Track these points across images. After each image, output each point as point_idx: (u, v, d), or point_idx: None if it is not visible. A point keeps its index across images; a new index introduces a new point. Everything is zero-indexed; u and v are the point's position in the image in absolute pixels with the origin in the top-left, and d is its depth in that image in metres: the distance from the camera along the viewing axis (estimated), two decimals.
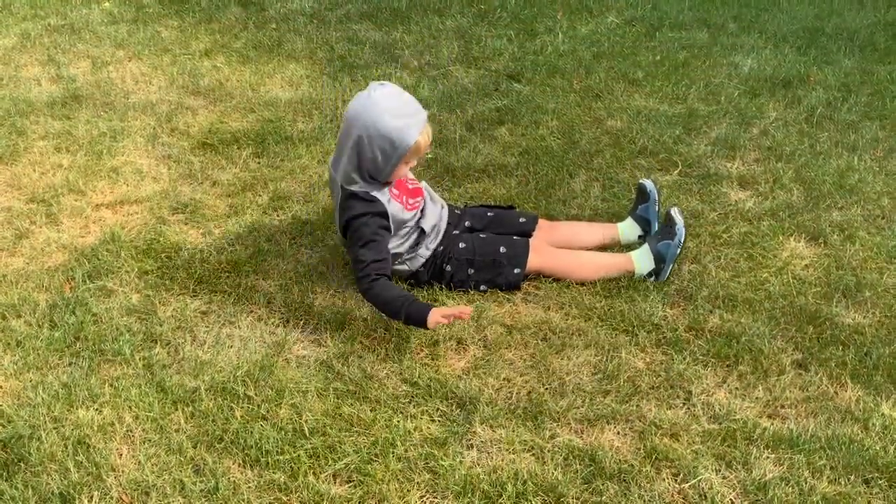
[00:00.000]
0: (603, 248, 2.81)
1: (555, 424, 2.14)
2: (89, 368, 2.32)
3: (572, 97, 4.00)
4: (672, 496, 1.96)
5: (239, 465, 2.02)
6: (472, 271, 2.60)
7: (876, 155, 3.49)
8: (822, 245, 2.88)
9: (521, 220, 2.77)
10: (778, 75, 4.27)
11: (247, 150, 3.50)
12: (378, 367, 2.32)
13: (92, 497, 1.94)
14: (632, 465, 2.01)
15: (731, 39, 4.82)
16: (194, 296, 2.63)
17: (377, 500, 1.94)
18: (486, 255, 2.60)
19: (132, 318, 2.52)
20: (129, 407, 2.19)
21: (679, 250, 2.62)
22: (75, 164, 3.40)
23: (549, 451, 2.06)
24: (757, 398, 2.23)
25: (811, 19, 5.20)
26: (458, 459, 2.03)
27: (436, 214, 2.65)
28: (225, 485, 1.96)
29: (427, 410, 2.18)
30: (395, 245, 2.54)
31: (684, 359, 2.35)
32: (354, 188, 2.45)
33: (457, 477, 1.97)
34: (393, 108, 2.36)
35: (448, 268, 2.60)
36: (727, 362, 2.35)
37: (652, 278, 2.64)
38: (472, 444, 2.08)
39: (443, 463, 2.01)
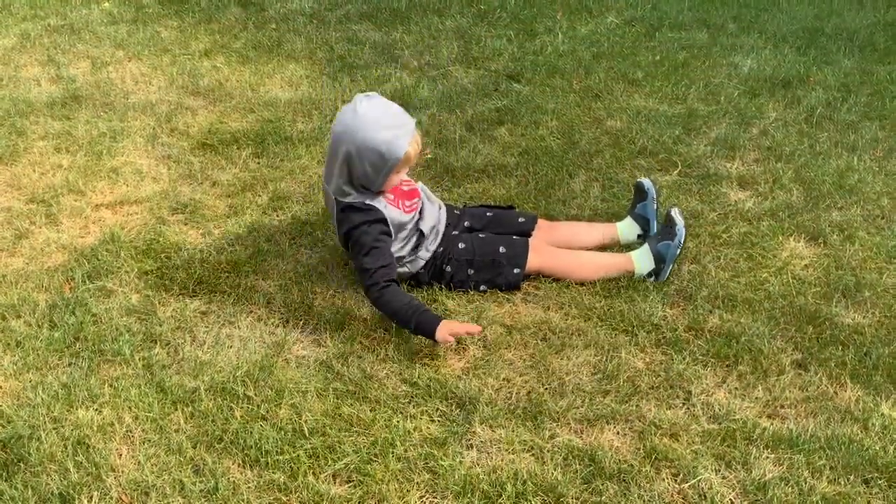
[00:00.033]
0: (602, 247, 2.81)
1: (554, 424, 2.14)
2: (89, 369, 2.32)
3: (572, 97, 4.00)
4: (672, 496, 1.96)
5: (238, 465, 2.03)
6: (472, 272, 2.60)
7: (875, 155, 3.49)
8: (822, 245, 2.88)
9: (521, 219, 2.77)
10: (777, 75, 4.27)
11: (246, 151, 3.50)
12: (378, 368, 2.32)
13: (91, 497, 1.94)
14: (631, 465, 2.01)
15: (730, 40, 4.82)
16: (194, 296, 2.63)
17: (377, 501, 1.94)
18: (485, 255, 2.60)
19: (132, 319, 2.52)
20: (129, 407, 2.19)
21: (679, 251, 2.62)
22: (75, 165, 3.40)
23: (548, 451, 2.06)
24: (756, 398, 2.23)
25: (811, 19, 5.20)
26: (457, 459, 2.03)
27: (434, 215, 2.65)
28: (224, 485, 1.96)
29: (427, 410, 2.18)
30: (397, 249, 2.54)
31: (684, 359, 2.35)
32: (349, 200, 2.45)
33: (456, 477, 1.97)
34: (380, 121, 2.35)
35: (448, 268, 2.60)
36: (727, 362, 2.35)
37: (652, 278, 2.65)
38: (471, 445, 2.08)
39: (442, 463, 2.01)
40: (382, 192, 2.48)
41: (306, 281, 2.68)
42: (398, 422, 2.13)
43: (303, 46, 4.65)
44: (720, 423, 2.14)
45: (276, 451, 2.04)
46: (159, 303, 2.60)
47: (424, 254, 2.59)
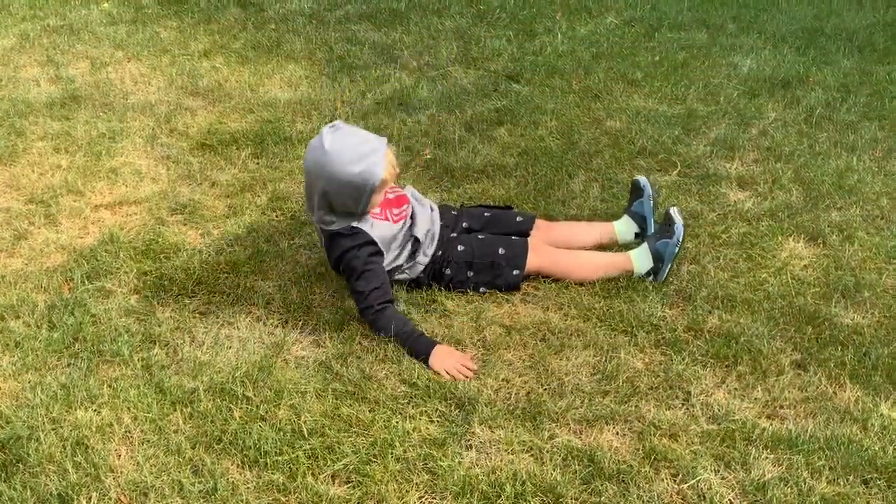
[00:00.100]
0: (601, 247, 2.81)
1: (554, 425, 2.14)
2: (88, 369, 2.32)
3: (571, 98, 4.00)
4: (671, 496, 1.96)
5: (238, 465, 2.02)
6: (472, 273, 2.60)
7: (875, 155, 3.49)
8: (821, 245, 2.88)
9: (519, 219, 2.77)
10: (777, 76, 4.27)
11: (246, 151, 3.50)
12: (377, 368, 2.32)
13: (90, 498, 1.94)
14: (631, 466, 2.01)
15: (730, 40, 4.82)
16: (193, 296, 2.63)
17: (376, 501, 1.94)
18: (484, 256, 2.60)
19: (131, 319, 2.52)
20: (128, 408, 2.18)
21: (677, 249, 2.62)
22: (74, 165, 3.40)
23: (547, 451, 2.06)
24: (756, 398, 2.23)
25: (810, 20, 5.20)
26: (456, 460, 2.03)
27: (426, 219, 2.63)
28: (224, 485, 1.96)
29: (426, 411, 2.18)
30: (392, 258, 2.54)
31: (683, 359, 2.35)
32: (334, 227, 2.45)
33: (455, 477, 1.97)
34: (350, 154, 2.32)
35: (447, 271, 2.60)
36: (726, 363, 2.35)
37: (651, 277, 2.64)
38: (470, 445, 2.08)
39: (441, 463, 2.01)
40: (366, 213, 2.47)
41: (305, 281, 2.68)
42: (397, 422, 2.13)
43: (302, 47, 4.65)
44: (719, 424, 2.14)
45: (275, 452, 2.04)
46: (158, 303, 2.60)
47: (423, 258, 2.59)
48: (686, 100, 3.99)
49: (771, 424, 2.14)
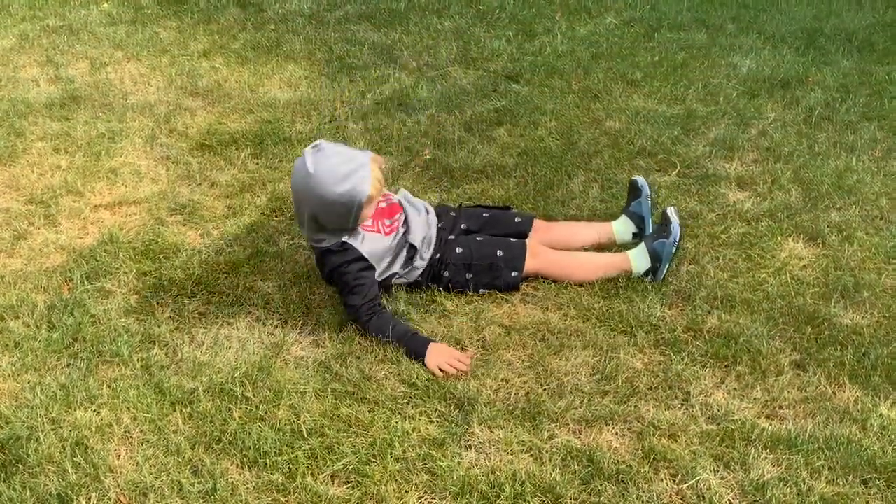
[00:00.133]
0: (599, 247, 2.81)
1: (553, 425, 2.14)
2: (87, 370, 2.32)
3: (571, 98, 4.01)
4: (670, 497, 1.96)
5: (237, 466, 2.02)
6: (470, 276, 2.60)
7: (874, 155, 3.49)
8: (821, 246, 2.88)
9: (517, 220, 2.77)
10: (776, 76, 4.27)
11: (245, 151, 3.50)
12: (376, 368, 2.32)
13: (90, 498, 1.94)
14: (630, 466, 2.01)
15: (729, 40, 4.82)
16: (192, 297, 2.63)
17: (375, 501, 1.94)
18: (483, 258, 2.59)
19: (130, 320, 2.52)
20: (128, 408, 2.19)
21: (675, 249, 2.62)
22: (74, 165, 3.40)
23: (547, 451, 2.06)
24: (755, 399, 2.23)
25: (809, 20, 5.20)
26: (456, 460, 2.03)
27: (422, 225, 2.62)
28: (223, 486, 1.96)
29: (425, 411, 2.18)
30: (386, 267, 2.54)
31: (682, 359, 2.35)
32: (325, 245, 2.46)
33: (455, 478, 1.97)
34: (334, 175, 2.31)
35: (446, 273, 2.60)
36: (725, 363, 2.35)
37: (649, 277, 2.65)
38: (470, 445, 2.08)
39: (441, 464, 2.01)
40: (357, 226, 2.47)
41: (305, 281, 2.68)
42: (397, 422, 2.13)
43: (302, 47, 4.65)
44: (719, 424, 2.14)
45: (275, 452, 2.04)
46: (158, 304, 2.60)
47: (420, 262, 2.59)
48: (685, 100, 3.99)
49: (770, 424, 2.14)
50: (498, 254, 2.60)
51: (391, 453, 2.04)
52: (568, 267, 2.65)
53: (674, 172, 3.33)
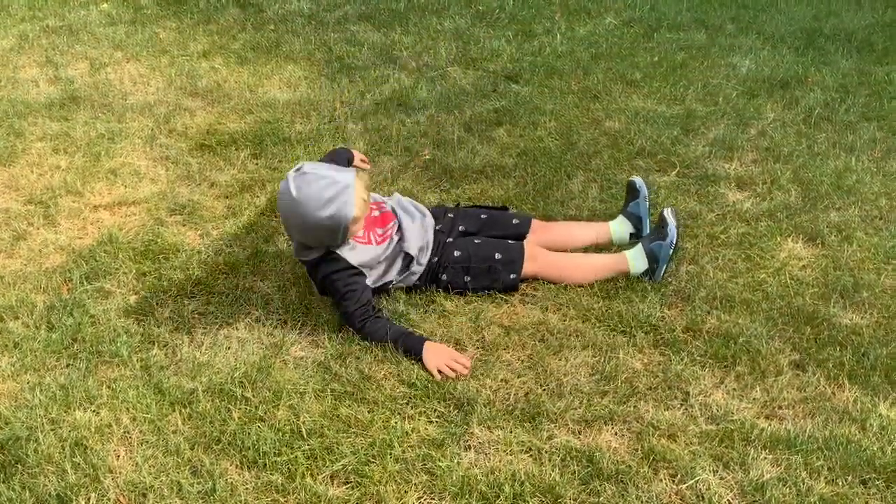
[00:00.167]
0: (596, 247, 2.81)
1: (552, 425, 2.14)
2: (87, 370, 2.32)
3: (570, 98, 4.01)
4: (669, 497, 1.96)
5: (236, 466, 2.02)
6: (469, 279, 2.60)
7: (874, 156, 3.49)
8: (820, 246, 2.88)
9: (515, 221, 2.77)
10: (776, 76, 4.27)
11: (245, 152, 3.50)
12: (376, 369, 2.32)
13: (89, 499, 1.94)
14: (629, 466, 2.02)
15: (729, 40, 4.82)
16: (192, 297, 2.63)
17: (375, 502, 1.94)
18: (481, 261, 2.59)
19: (130, 320, 2.52)
20: (127, 408, 2.19)
21: (672, 251, 2.62)
22: (73, 166, 3.40)
23: (546, 451, 2.06)
24: (754, 399, 2.23)
25: (809, 20, 5.20)
26: (455, 460, 2.03)
27: (418, 231, 2.61)
28: (222, 486, 1.96)
29: (425, 411, 2.18)
30: (380, 275, 2.53)
31: (682, 360, 2.35)
32: (314, 256, 2.46)
33: (454, 478, 1.97)
34: (317, 201, 2.30)
35: (444, 276, 2.60)
36: (725, 363, 2.35)
37: (647, 278, 2.65)
38: (469, 445, 2.08)
39: (440, 464, 2.01)
40: (346, 242, 2.46)
41: (304, 282, 2.68)
42: (396, 423, 2.13)
43: (301, 47, 4.65)
44: (718, 424, 2.14)
45: (274, 453, 2.04)
46: (157, 304, 2.60)
47: (417, 268, 2.58)
48: (685, 100, 3.99)
49: (769, 425, 2.14)
50: (496, 256, 2.59)
51: (390, 453, 2.04)
52: (565, 269, 2.65)
53: (673, 172, 3.33)
